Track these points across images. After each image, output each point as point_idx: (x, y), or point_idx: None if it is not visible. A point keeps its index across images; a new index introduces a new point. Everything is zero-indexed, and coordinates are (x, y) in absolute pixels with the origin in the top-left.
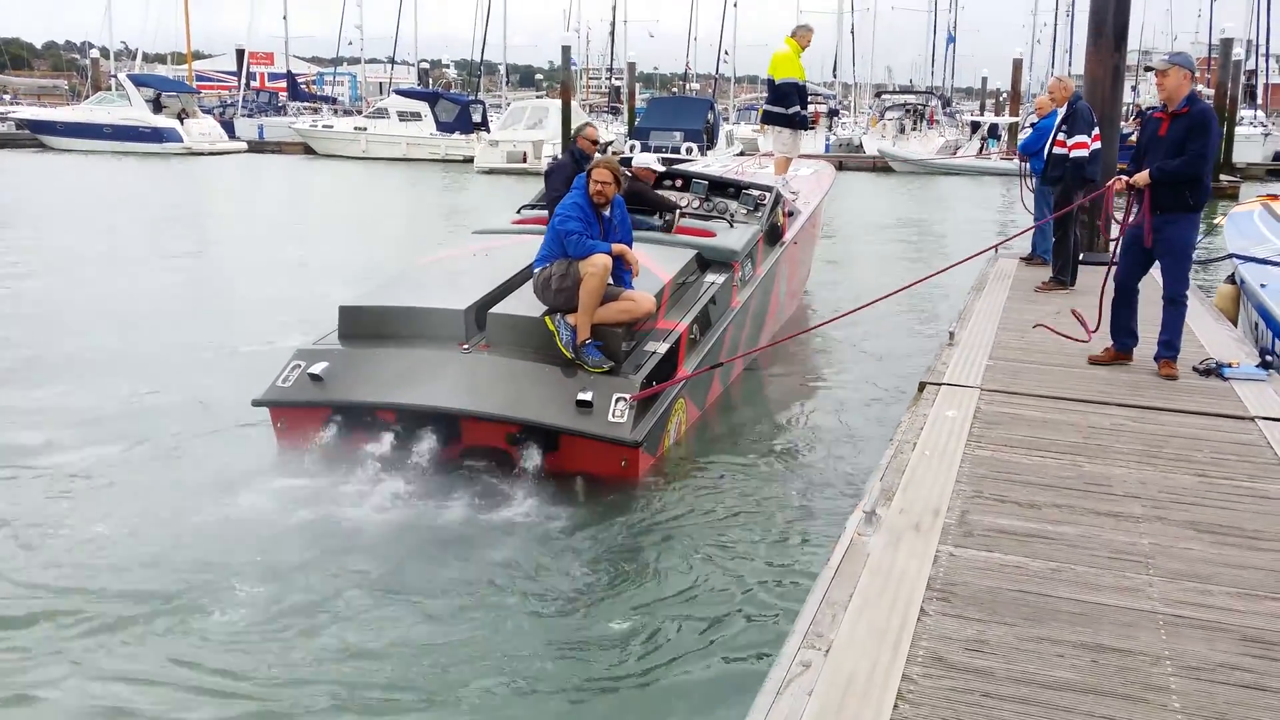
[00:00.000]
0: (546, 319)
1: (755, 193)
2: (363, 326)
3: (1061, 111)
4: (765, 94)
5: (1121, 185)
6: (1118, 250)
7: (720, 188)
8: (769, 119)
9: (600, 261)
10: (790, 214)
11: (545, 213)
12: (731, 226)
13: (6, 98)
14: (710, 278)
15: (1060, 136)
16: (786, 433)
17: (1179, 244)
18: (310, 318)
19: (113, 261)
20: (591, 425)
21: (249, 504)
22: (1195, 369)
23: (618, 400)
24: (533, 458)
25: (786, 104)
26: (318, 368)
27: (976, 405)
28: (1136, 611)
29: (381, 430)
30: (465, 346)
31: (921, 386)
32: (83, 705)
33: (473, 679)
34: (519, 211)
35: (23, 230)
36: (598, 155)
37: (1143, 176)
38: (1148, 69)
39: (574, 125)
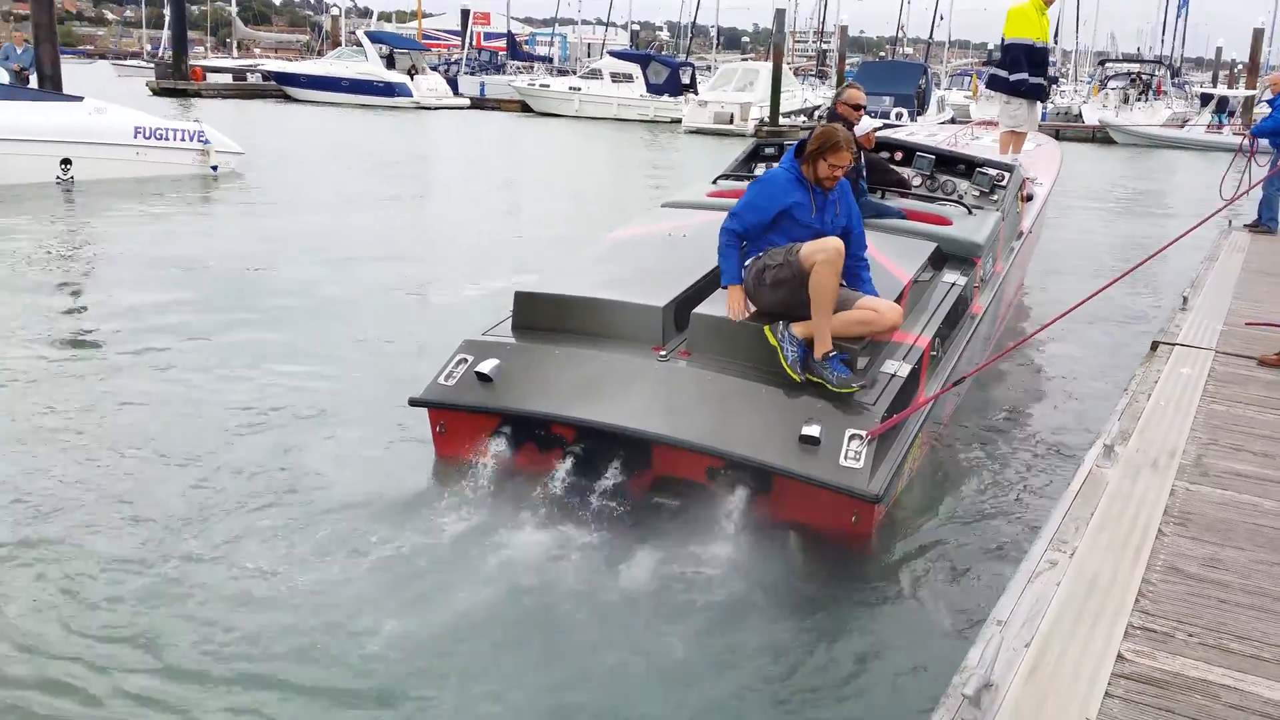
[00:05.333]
0: (767, 330)
1: (993, 171)
2: (542, 318)
3: None
4: (979, 59)
5: None
6: None
7: (949, 163)
8: (993, 84)
9: (833, 245)
10: (1029, 197)
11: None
12: (970, 212)
13: (257, 51)
14: (949, 276)
15: None
16: (1009, 404)
17: None
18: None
19: (352, 204)
20: (818, 469)
21: (397, 527)
22: None
23: (851, 438)
24: (737, 499)
25: (1014, 69)
26: (487, 366)
27: (1211, 366)
28: None
29: (558, 447)
30: (663, 352)
31: (1155, 345)
32: None
33: None
34: (714, 182)
35: (276, 174)
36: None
37: None
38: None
39: (781, 88)
